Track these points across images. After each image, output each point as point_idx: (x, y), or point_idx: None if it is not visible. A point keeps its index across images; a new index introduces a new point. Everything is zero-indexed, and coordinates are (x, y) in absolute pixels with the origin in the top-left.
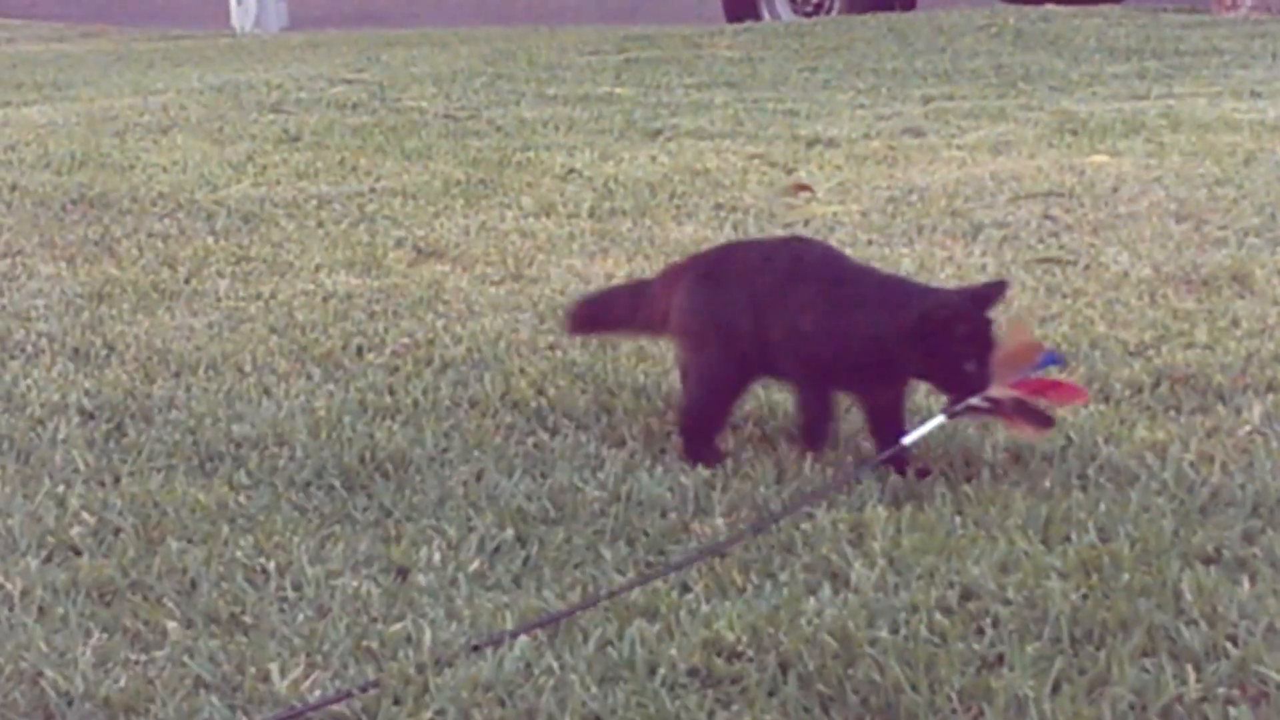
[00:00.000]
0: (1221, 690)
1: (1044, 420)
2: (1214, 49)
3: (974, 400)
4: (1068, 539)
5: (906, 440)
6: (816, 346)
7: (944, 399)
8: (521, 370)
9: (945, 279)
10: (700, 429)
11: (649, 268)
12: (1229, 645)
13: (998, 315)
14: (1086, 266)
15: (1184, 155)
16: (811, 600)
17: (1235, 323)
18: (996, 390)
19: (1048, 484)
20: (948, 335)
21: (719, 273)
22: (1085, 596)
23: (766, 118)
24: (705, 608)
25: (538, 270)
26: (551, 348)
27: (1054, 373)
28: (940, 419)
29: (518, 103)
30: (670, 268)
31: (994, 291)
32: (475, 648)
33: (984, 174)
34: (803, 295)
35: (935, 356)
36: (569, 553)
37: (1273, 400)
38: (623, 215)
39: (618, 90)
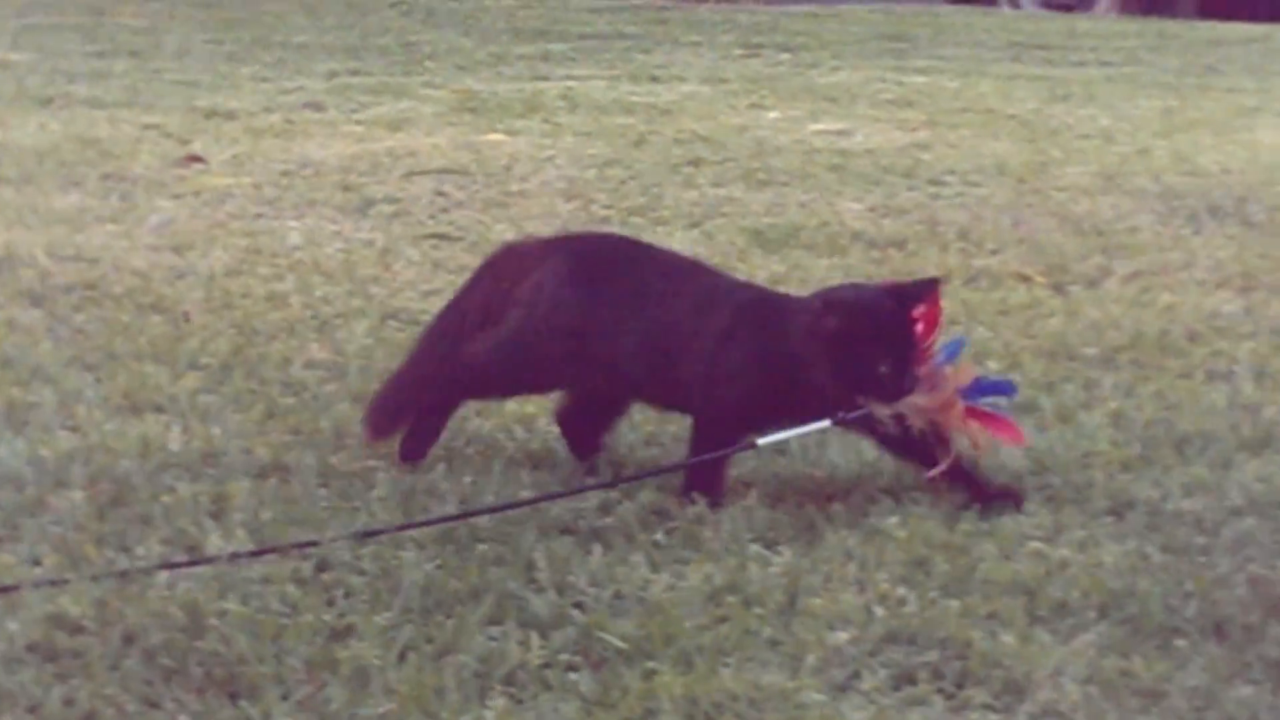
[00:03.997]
0: (565, 656)
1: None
2: (619, 34)
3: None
4: (427, 510)
5: (762, 442)
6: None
7: None
8: None
9: (332, 253)
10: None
11: (28, 238)
12: (576, 612)
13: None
14: (474, 243)
15: (578, 136)
16: (164, 574)
17: None
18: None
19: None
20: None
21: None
22: (440, 566)
23: (165, 88)
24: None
25: None
26: None
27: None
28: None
29: None
30: None
31: (920, 289)
32: None
33: (380, 150)
34: None
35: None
36: None
37: None
38: (5, 183)
39: (12, 56)
